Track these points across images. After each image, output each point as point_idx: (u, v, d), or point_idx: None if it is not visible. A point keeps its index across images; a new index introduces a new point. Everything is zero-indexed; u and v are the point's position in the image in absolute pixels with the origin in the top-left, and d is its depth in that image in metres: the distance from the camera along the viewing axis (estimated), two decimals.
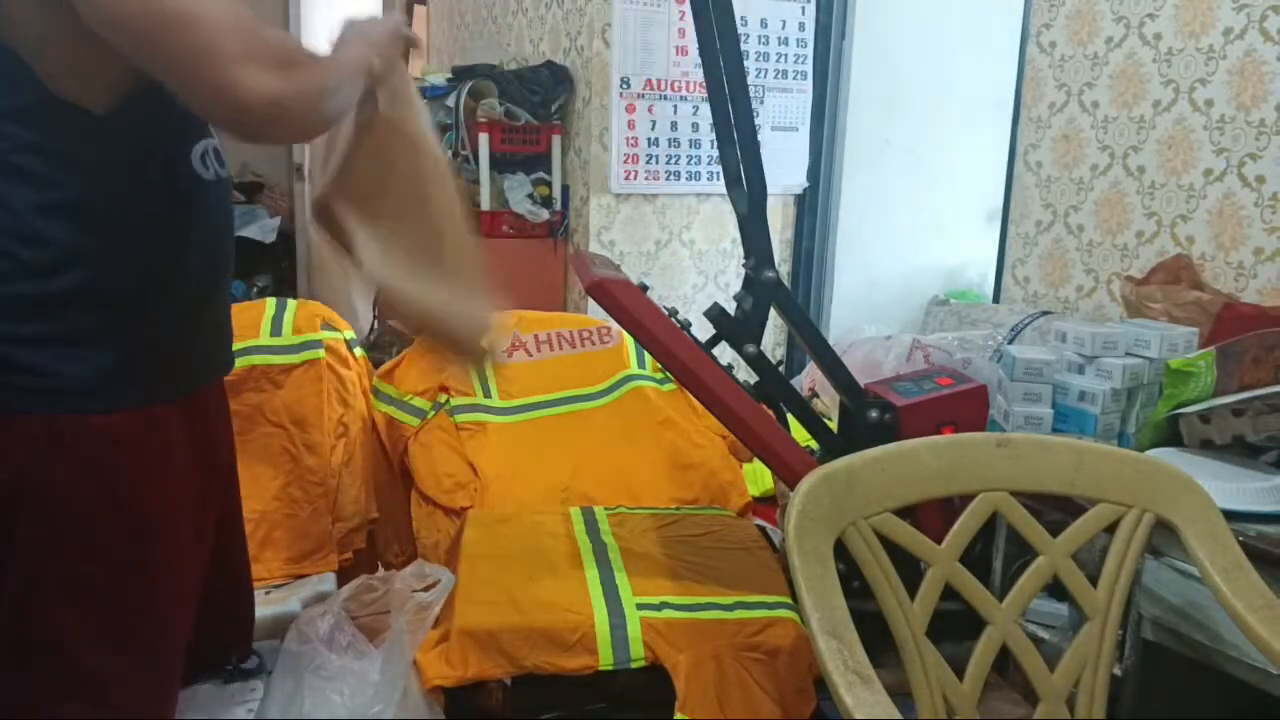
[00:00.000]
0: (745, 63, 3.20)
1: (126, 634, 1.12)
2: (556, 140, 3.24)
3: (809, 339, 1.60)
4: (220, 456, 1.32)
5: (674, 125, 3.18)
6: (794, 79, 3.36)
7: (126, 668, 1.13)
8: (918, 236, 3.52)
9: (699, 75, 3.17)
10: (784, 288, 1.55)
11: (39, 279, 1.04)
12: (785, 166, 3.40)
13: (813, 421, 1.60)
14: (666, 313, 1.50)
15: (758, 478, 2.30)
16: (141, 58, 0.98)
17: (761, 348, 1.56)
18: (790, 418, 1.64)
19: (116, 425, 1.09)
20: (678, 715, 1.34)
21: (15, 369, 1.05)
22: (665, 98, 3.15)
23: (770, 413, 1.48)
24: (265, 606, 1.73)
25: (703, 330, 1.59)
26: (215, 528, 1.30)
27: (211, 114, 1.05)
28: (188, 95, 0.99)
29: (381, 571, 2.03)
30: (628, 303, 1.41)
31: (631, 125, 3.11)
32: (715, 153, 3.25)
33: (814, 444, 2.32)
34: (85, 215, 1.05)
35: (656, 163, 3.17)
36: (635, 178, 3.15)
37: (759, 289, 1.52)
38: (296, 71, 1.00)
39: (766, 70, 3.31)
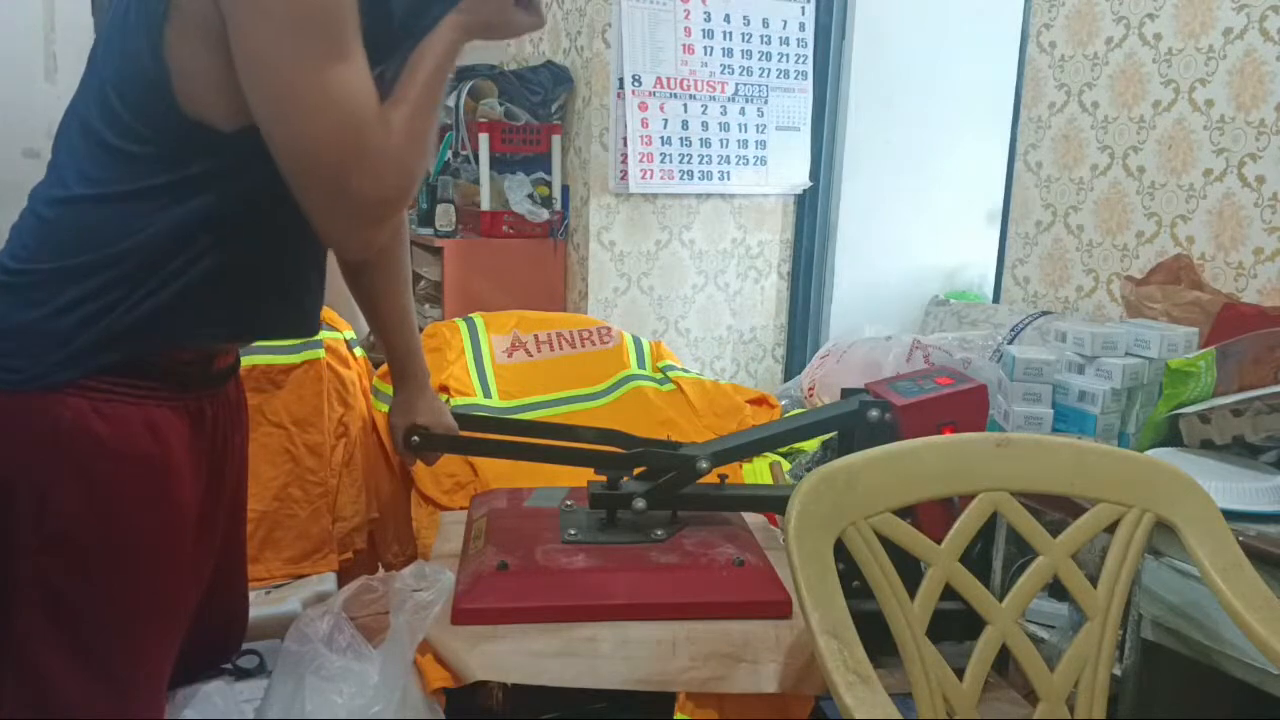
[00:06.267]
0: (748, 62, 3.23)
1: (103, 659, 1.08)
2: (556, 140, 3.24)
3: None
4: (229, 471, 1.27)
5: (685, 124, 3.18)
6: (795, 79, 3.36)
7: (98, 694, 1.08)
8: (918, 236, 3.52)
9: (706, 74, 3.19)
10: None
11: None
12: (789, 166, 3.40)
13: (747, 503, 1.63)
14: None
15: (757, 478, 2.30)
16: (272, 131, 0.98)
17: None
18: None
19: (117, 435, 1.05)
20: (678, 715, 1.34)
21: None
22: (675, 95, 3.15)
23: (685, 576, 1.48)
24: (265, 606, 1.73)
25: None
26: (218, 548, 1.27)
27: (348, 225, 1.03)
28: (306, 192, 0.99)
29: (381, 572, 2.03)
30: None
31: (645, 124, 3.11)
32: (725, 152, 3.28)
33: (808, 447, 2.32)
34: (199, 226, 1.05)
35: (670, 161, 3.17)
36: (651, 176, 3.15)
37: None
38: (400, 160, 1.01)
39: (769, 70, 3.30)
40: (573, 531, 1.52)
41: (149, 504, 1.09)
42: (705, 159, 3.23)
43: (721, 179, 3.28)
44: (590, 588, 1.40)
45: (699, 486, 1.56)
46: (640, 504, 1.51)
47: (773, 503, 1.62)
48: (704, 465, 1.51)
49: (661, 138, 3.14)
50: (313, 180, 0.98)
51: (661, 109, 3.13)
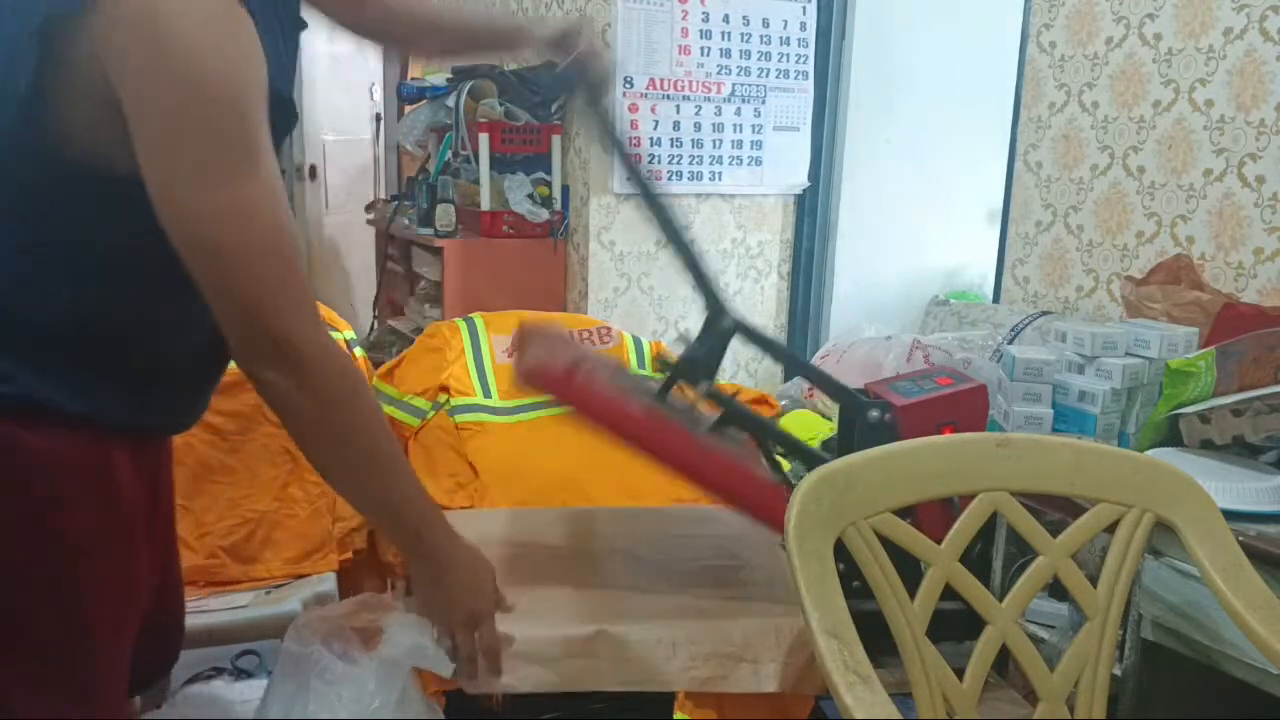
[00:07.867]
0: (747, 62, 3.24)
1: (55, 669, 1.04)
2: (556, 140, 3.24)
3: (785, 357, 1.57)
4: (167, 465, 1.25)
5: (676, 125, 3.19)
6: (795, 79, 3.36)
7: (51, 705, 1.04)
8: (918, 236, 3.52)
9: (702, 75, 3.19)
10: (746, 326, 1.53)
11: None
12: (786, 166, 3.41)
13: (790, 445, 1.59)
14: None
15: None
16: (202, 273, 0.97)
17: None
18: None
19: (54, 447, 1.01)
20: (678, 715, 1.35)
21: None
22: (668, 97, 3.16)
23: (730, 459, 1.45)
24: (265, 606, 1.74)
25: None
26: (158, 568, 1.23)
27: (251, 352, 1.02)
28: (234, 327, 1.00)
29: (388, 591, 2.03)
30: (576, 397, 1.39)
31: (635, 125, 3.11)
32: (718, 153, 3.28)
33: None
34: (97, 271, 1.02)
35: (660, 162, 3.17)
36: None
37: (718, 334, 1.50)
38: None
39: (768, 70, 3.31)
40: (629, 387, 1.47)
41: (91, 509, 1.05)
42: (696, 159, 3.24)
43: (713, 179, 3.29)
44: (646, 421, 1.37)
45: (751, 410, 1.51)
46: (705, 386, 1.46)
47: (806, 456, 1.59)
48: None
49: (651, 139, 3.14)
50: (225, 287, 0.98)
51: (653, 110, 3.13)
